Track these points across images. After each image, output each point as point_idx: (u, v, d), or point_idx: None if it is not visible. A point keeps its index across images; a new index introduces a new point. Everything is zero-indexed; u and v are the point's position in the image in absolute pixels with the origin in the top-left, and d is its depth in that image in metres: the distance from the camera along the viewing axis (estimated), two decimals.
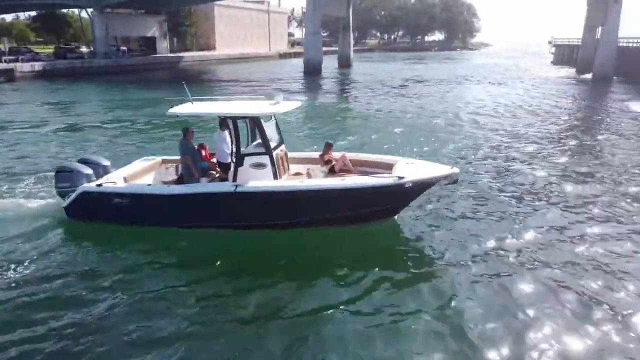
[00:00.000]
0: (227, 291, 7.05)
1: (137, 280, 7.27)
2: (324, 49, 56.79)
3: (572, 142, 16.96)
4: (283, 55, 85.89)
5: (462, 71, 53.84)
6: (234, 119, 8.90)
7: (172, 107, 9.25)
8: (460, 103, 27.13)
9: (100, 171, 9.64)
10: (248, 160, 8.63)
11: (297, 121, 21.31)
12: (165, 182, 9.73)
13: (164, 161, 10.51)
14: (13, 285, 7.04)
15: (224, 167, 9.40)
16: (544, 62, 71.44)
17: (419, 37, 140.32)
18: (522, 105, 26.28)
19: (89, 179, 9.20)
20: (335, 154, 10.10)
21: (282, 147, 9.44)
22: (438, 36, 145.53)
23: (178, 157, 9.81)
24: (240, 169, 8.61)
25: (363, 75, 48.57)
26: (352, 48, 62.37)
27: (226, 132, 9.47)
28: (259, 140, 8.88)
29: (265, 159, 8.64)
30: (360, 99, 30.31)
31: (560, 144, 16.54)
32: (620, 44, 44.23)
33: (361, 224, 8.87)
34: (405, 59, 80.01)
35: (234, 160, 8.86)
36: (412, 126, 19.49)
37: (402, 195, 8.81)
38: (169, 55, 64.68)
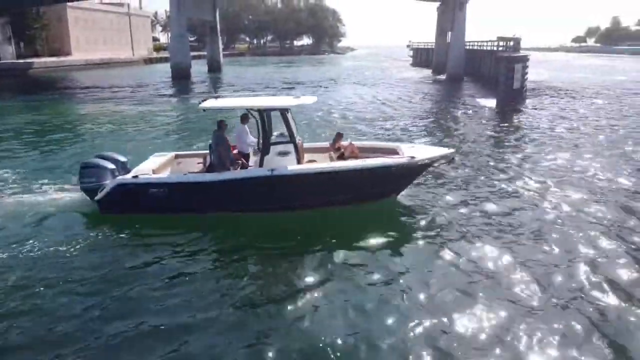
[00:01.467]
0: (260, 270, 7.69)
1: (177, 264, 7.55)
2: (193, 53, 55.07)
3: (438, 132, 19.28)
4: (148, 61, 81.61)
5: (331, 73, 55.76)
6: (264, 111, 9.56)
7: (200, 102, 9.99)
8: (333, 101, 28.03)
9: (120, 167, 9.86)
10: (274, 149, 9.31)
11: (173, 123, 20.38)
12: (193, 173, 10.04)
13: (176, 156, 11.04)
14: (54, 278, 7.03)
15: (244, 157, 10.11)
16: (405, 64, 76.94)
17: (288, 41, 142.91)
18: (386, 101, 28.27)
19: (113, 174, 9.50)
20: (344, 143, 10.95)
21: (298, 137, 10.03)
22: (306, 41, 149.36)
23: (190, 152, 11.46)
24: (266, 157, 9.29)
25: (234, 78, 48.05)
26: (221, 52, 61.31)
27: (246, 126, 10.08)
28: (281, 131, 9.74)
29: (290, 147, 9.37)
30: None
31: (426, 131, 19.17)
32: (467, 47, 48.99)
33: (369, 201, 9.84)
34: (275, 63, 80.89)
35: (260, 149, 9.53)
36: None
37: (414, 172, 10.17)
38: (15, 61, 57.82)
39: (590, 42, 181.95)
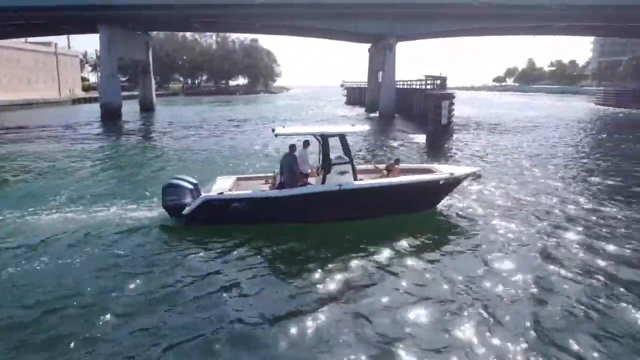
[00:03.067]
0: (319, 272, 8.55)
1: (256, 265, 8.92)
2: (125, 93, 53.91)
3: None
4: (77, 101, 78.80)
5: (269, 112, 56.17)
6: (326, 136, 11.42)
7: (273, 129, 11.59)
8: (268, 139, 28.11)
9: (195, 187, 11.43)
10: (335, 169, 11.06)
11: (100, 165, 19.52)
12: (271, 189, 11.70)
13: (239, 178, 12.79)
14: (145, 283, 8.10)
15: (304, 177, 11.62)
16: (339, 103, 78.94)
17: (223, 81, 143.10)
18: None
19: (191, 193, 11.14)
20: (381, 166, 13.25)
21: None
22: (242, 80, 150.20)
23: (252, 175, 13.63)
24: (328, 175, 11.07)
25: (168, 118, 47.21)
26: (154, 92, 60.39)
27: (307, 149, 12.00)
28: (339, 154, 11.53)
29: (348, 167, 11.15)
30: (169, 139, 29.20)
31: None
32: (398, 86, 51.13)
33: (417, 211, 11.84)
34: (211, 102, 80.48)
35: (322, 169, 11.28)
36: (223, 158, 19.40)
37: (453, 186, 12.34)
38: None
39: (510, 81, 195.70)
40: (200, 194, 11.19)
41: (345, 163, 11.19)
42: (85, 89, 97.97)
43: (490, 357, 5.98)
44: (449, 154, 22.90)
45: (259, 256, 9.34)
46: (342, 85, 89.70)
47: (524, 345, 6.23)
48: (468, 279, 8.21)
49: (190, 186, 11.32)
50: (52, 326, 6.72)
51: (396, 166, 12.64)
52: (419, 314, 7.03)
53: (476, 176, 13.06)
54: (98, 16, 44.55)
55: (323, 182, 11.14)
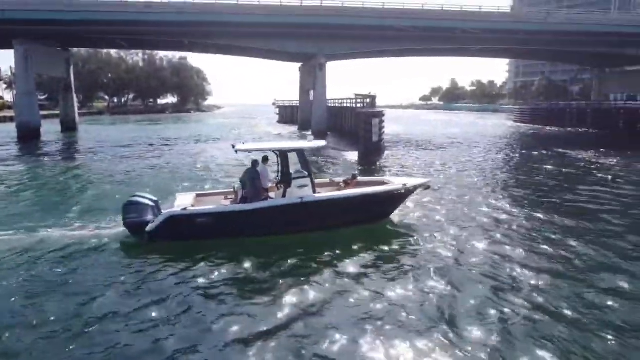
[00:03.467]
0: (291, 283, 8.84)
1: (222, 280, 9.04)
2: (44, 112, 50.94)
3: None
4: None
5: (198, 131, 55.04)
6: (286, 151, 12.14)
7: (233, 145, 11.76)
8: (198, 157, 27.57)
9: (155, 205, 11.44)
10: (295, 183, 11.44)
11: (17, 190, 18.21)
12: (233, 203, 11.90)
13: (198, 195, 12.85)
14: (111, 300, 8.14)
15: (265, 191, 11.83)
16: (272, 122, 78.98)
17: (152, 100, 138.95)
18: (249, 159, 28.33)
19: (153, 210, 11.13)
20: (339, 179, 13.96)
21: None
22: (171, 99, 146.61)
23: (210, 192, 13.73)
24: (289, 189, 11.48)
25: (92, 138, 45.04)
26: (76, 111, 57.48)
27: (266, 165, 12.20)
28: (297, 169, 11.85)
29: (307, 181, 11.55)
30: (90, 160, 27.80)
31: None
32: (330, 104, 51.97)
33: (373, 222, 12.38)
34: (139, 121, 77.83)
35: (282, 183, 11.79)
36: (156, 177, 18.73)
37: (405, 196, 13.07)
38: None
39: (435, 100, 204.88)
40: (161, 211, 11.23)
41: (304, 177, 11.61)
42: None
43: None
44: (381, 170, 23.50)
45: (224, 271, 9.45)
46: (274, 104, 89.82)
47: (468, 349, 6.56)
48: (422, 288, 8.68)
49: (152, 203, 11.36)
50: (11, 352, 6.61)
51: (354, 180, 13.24)
52: (378, 322, 7.33)
53: (426, 187, 13.90)
54: (13, 31, 42.00)
55: (284, 195, 11.56)
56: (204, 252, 10.25)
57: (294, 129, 58.71)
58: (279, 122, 77.56)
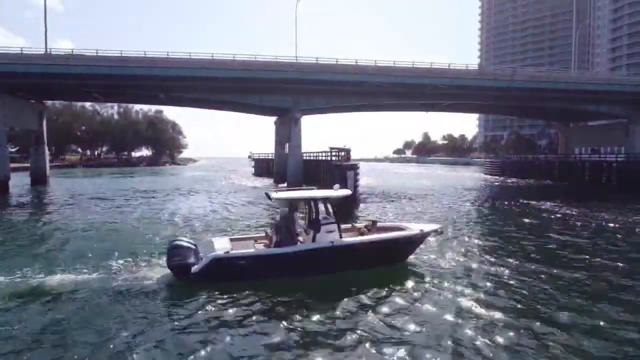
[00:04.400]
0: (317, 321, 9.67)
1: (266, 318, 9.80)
2: (13, 165, 49.88)
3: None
4: None
5: (174, 184, 54.58)
6: (316, 200, 12.87)
7: (267, 194, 12.74)
8: (180, 209, 27.14)
9: (195, 248, 12.17)
10: (324, 228, 12.31)
11: None
12: (266, 247, 12.74)
13: (231, 239, 13.51)
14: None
15: (296, 236, 12.72)
16: (247, 174, 79.01)
17: (126, 152, 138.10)
18: (230, 207, 28.13)
19: (195, 254, 11.90)
20: (360, 224, 15.05)
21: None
22: (146, 152, 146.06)
23: (242, 236, 14.41)
24: (318, 234, 12.29)
25: (63, 191, 44.03)
26: (47, 163, 56.49)
27: (296, 212, 13.06)
28: (324, 215, 12.68)
29: (334, 227, 12.46)
30: (62, 214, 26.99)
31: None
32: (305, 157, 52.45)
33: (393, 264, 13.47)
34: (113, 174, 76.78)
35: (311, 228, 12.52)
36: (126, 232, 18.25)
37: (421, 241, 14.32)
38: None
39: (408, 153, 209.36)
40: (199, 255, 12.07)
41: (332, 223, 12.53)
42: None
43: None
44: (357, 221, 23.38)
45: (266, 310, 10.20)
46: (249, 157, 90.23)
47: None
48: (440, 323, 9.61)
49: (193, 247, 12.18)
50: None
51: (374, 226, 14.36)
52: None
53: (438, 232, 14.95)
54: None
55: (313, 240, 12.35)
56: (245, 292, 11.07)
57: (269, 181, 58.77)
58: (255, 174, 77.66)
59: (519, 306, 10.63)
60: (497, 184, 58.31)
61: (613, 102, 56.58)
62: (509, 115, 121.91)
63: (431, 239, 17.10)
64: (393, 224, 15.47)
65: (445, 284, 12.12)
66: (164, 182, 57.49)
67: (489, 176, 74.12)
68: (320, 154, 48.75)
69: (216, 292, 11.05)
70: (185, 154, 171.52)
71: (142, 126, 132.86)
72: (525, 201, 33.46)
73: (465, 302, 10.72)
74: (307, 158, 53.60)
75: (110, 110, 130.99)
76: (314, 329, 9.24)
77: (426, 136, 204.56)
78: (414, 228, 14.09)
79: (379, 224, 14.86)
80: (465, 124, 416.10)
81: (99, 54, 43.39)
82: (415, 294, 11.36)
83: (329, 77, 46.90)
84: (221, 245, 12.57)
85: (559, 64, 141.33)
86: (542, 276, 13.00)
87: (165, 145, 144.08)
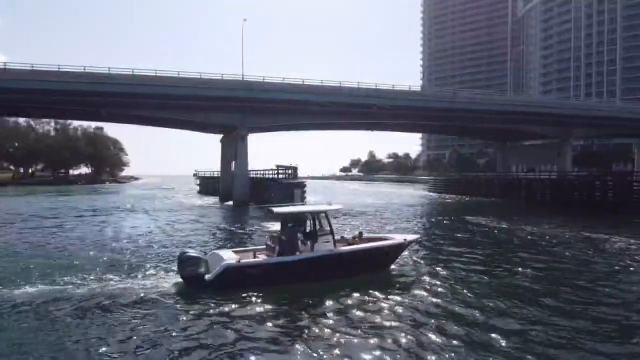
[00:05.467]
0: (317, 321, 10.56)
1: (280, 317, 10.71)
2: None
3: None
4: None
5: (113, 203, 52.44)
6: (315, 213, 14.40)
7: (270, 210, 14.06)
8: (117, 231, 26.01)
9: (204, 259, 13.05)
10: (321, 239, 13.62)
11: None
12: (269, 256, 13.72)
13: (234, 251, 14.22)
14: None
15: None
16: (192, 192, 77.35)
17: (63, 170, 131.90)
18: (173, 228, 27.31)
19: (206, 264, 12.83)
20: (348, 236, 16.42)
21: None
22: (85, 169, 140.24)
23: (243, 248, 15.39)
24: (315, 244, 13.51)
25: None
26: None
27: (297, 225, 14.18)
28: (319, 226, 14.14)
29: (330, 237, 13.85)
30: None
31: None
32: (252, 175, 52.08)
33: (378, 271, 14.66)
34: (47, 193, 72.79)
35: (309, 239, 13.60)
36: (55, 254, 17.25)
37: (404, 249, 15.83)
38: None
39: (355, 171, 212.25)
40: (208, 265, 12.94)
41: (328, 234, 13.90)
42: None
43: None
44: None
45: (274, 313, 11.03)
46: (194, 175, 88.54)
47: None
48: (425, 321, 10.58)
49: (203, 258, 13.11)
50: None
51: (361, 237, 15.61)
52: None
53: (418, 242, 16.72)
54: None
55: (311, 250, 13.48)
56: (254, 298, 11.96)
57: (215, 200, 57.76)
58: (200, 192, 76.15)
59: (470, 306, 11.63)
60: (439, 200, 60.05)
61: (545, 124, 60.02)
62: (451, 135, 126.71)
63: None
64: (377, 235, 16.82)
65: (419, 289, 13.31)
66: (104, 201, 55.17)
67: (432, 193, 76.23)
68: (267, 172, 48.62)
69: (226, 299, 11.82)
70: (127, 171, 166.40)
71: (81, 143, 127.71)
72: (467, 217, 34.54)
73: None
74: (254, 176, 53.26)
75: (47, 126, 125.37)
76: (317, 332, 9.97)
77: (372, 155, 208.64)
78: (398, 238, 15.60)
79: (365, 236, 16.02)
80: (409, 143, 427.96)
81: (34, 69, 41.50)
82: (404, 298, 12.47)
83: (275, 95, 47.02)
84: (228, 256, 13.32)
85: (496, 87, 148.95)
86: (484, 279, 14.26)
87: (106, 162, 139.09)
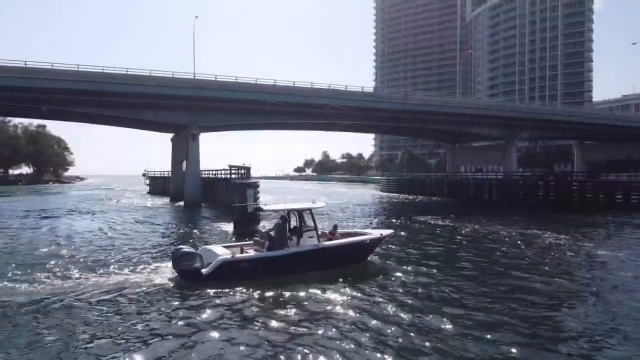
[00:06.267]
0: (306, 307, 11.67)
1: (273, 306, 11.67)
2: None
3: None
4: None
5: (55, 204, 50.12)
6: (300, 211, 15.52)
7: (259, 207, 17.03)
8: (59, 235, 24.78)
9: (198, 254, 13.96)
10: (306, 234, 14.82)
11: None
12: (258, 250, 14.68)
13: (224, 246, 15.18)
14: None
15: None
16: (142, 192, 75.11)
17: (2, 170, 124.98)
18: (122, 229, 26.32)
19: (201, 259, 13.75)
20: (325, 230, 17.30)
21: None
22: (26, 169, 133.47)
23: (235, 243, 16.49)
24: (301, 239, 14.72)
25: None
26: None
27: (287, 221, 15.32)
28: (307, 223, 15.39)
29: (314, 233, 15.08)
30: None
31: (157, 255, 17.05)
32: (203, 175, 51.07)
33: (357, 262, 16.10)
34: None
35: (295, 235, 14.80)
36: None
37: (380, 243, 17.37)
38: None
39: (309, 171, 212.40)
40: (203, 260, 13.70)
41: (312, 230, 15.11)
42: None
43: None
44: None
45: (266, 303, 11.98)
46: (144, 175, 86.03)
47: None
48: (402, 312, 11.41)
49: (197, 253, 13.81)
50: None
51: (336, 232, 16.65)
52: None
53: (392, 236, 18.37)
54: None
55: (297, 244, 14.61)
56: (247, 290, 12.84)
57: (165, 200, 56.29)
58: (150, 193, 74.06)
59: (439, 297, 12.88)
60: (391, 200, 60.97)
61: (492, 126, 62.10)
62: (403, 136, 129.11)
63: None
64: (352, 231, 18.44)
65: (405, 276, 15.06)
66: (45, 203, 52.58)
67: (384, 193, 77.37)
68: (219, 172, 47.81)
69: (223, 291, 12.68)
70: (72, 171, 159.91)
71: (21, 141, 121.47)
72: (417, 216, 35.24)
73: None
74: (206, 176, 52.29)
75: None
76: (309, 322, 10.60)
77: (326, 155, 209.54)
78: (374, 233, 17.24)
79: (340, 231, 17.17)
80: (363, 144, 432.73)
81: None
82: (383, 284, 13.93)
83: (228, 95, 46.32)
84: (221, 251, 14.18)
85: (447, 89, 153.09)
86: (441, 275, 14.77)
87: (49, 162, 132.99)
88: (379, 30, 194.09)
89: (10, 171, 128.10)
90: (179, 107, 46.88)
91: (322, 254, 14.85)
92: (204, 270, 13.30)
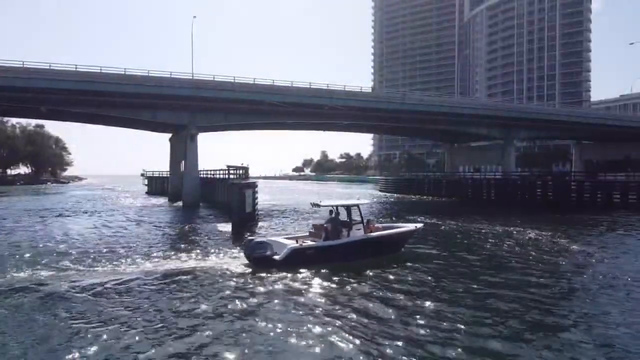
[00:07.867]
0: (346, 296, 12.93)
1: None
2: None
3: (182, 255, 17.64)
4: None
5: (53, 205, 50.00)
6: (349, 206, 17.98)
7: (317, 203, 17.52)
8: (58, 234, 24.73)
9: (270, 244, 16.12)
10: (355, 227, 17.23)
11: None
12: (314, 241, 17.08)
13: (285, 238, 17.69)
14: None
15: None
16: (140, 193, 75.03)
17: (0, 170, 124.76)
18: (122, 231, 26.24)
19: (271, 247, 15.84)
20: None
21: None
22: (25, 169, 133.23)
23: (292, 235, 18.67)
24: (350, 231, 17.06)
25: None
26: None
27: (339, 215, 17.37)
28: (354, 217, 17.77)
29: (361, 226, 17.42)
30: None
31: (175, 254, 16.95)
32: (202, 175, 50.98)
33: (394, 252, 18.30)
34: None
35: (346, 227, 17.12)
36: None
37: (415, 234, 19.88)
38: None
39: (307, 171, 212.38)
40: (273, 249, 15.80)
41: (359, 223, 17.43)
42: None
43: None
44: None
45: (328, 284, 13.98)
46: (142, 175, 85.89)
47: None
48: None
49: (268, 243, 16.02)
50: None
51: (370, 224, 18.06)
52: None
53: (421, 230, 20.40)
54: None
55: (348, 235, 16.90)
56: (312, 273, 14.97)
57: (163, 200, 56.21)
58: (148, 193, 73.94)
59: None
60: (390, 199, 60.94)
61: (491, 125, 62.15)
62: (401, 136, 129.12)
63: None
64: (389, 225, 20.10)
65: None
66: (42, 203, 52.44)
67: (383, 192, 77.36)
68: (217, 172, 47.72)
69: (295, 275, 14.77)
70: (71, 171, 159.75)
71: (19, 141, 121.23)
72: (416, 216, 35.21)
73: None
74: (204, 176, 52.23)
75: None
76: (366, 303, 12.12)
77: (324, 155, 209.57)
78: (410, 225, 19.58)
79: (376, 224, 18.87)
80: (361, 144, 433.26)
81: None
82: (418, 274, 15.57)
83: (226, 95, 46.24)
84: (286, 242, 16.56)
85: (445, 89, 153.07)
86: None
87: (47, 162, 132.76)
88: (377, 30, 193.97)
89: (9, 171, 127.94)
90: (178, 107, 46.82)
91: (369, 244, 17.08)
92: (275, 257, 15.48)
